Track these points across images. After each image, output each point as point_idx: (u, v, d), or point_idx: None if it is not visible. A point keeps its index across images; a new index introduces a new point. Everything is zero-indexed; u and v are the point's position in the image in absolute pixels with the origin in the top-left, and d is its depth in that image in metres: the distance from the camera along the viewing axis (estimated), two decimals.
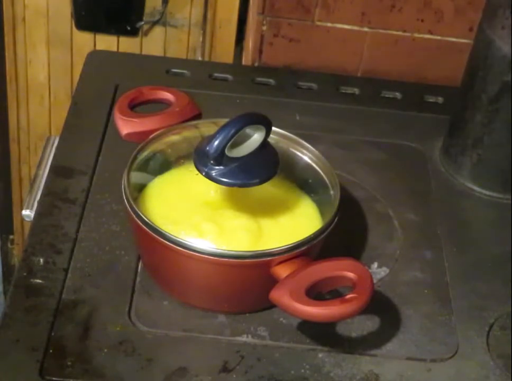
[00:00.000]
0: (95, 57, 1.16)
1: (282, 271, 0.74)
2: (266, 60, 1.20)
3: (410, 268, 0.89)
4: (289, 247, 0.75)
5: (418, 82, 1.18)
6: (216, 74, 1.15)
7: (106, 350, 0.76)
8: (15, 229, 1.59)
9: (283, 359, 0.77)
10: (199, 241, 0.76)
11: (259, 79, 1.15)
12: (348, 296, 0.71)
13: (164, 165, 0.85)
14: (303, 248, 0.75)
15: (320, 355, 0.78)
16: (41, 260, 0.83)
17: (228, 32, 1.32)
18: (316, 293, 0.73)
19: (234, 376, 0.75)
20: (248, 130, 0.77)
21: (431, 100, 1.15)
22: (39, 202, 0.92)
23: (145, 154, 0.84)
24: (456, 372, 0.79)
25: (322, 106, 1.10)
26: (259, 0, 1.14)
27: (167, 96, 0.89)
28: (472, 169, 1.00)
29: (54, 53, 1.37)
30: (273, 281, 0.73)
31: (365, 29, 1.16)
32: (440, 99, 1.15)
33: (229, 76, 1.15)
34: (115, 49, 1.35)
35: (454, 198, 0.99)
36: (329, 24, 1.16)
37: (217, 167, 0.76)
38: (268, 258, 0.74)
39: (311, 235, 0.76)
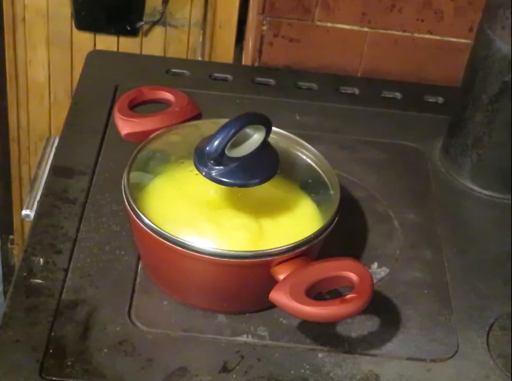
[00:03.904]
0: (95, 57, 1.16)
1: (282, 271, 0.74)
2: (266, 60, 1.20)
3: (410, 268, 0.89)
4: (289, 247, 0.75)
5: (418, 82, 1.18)
6: (216, 74, 1.15)
7: (106, 350, 0.76)
8: (15, 229, 1.59)
9: (283, 359, 0.77)
10: (199, 241, 0.76)
11: (259, 79, 1.15)
12: (348, 296, 0.71)
13: (164, 165, 0.85)
14: (303, 248, 0.75)
15: (320, 355, 0.78)
16: (41, 260, 0.83)
17: (228, 32, 1.32)
18: (316, 293, 0.73)
19: (234, 376, 0.75)
20: (248, 130, 0.77)
21: (431, 100, 1.15)
22: (39, 202, 0.92)
23: (145, 154, 0.84)
24: (456, 372, 0.79)
25: (322, 106, 1.10)
26: (259, 0, 1.14)
27: (167, 96, 0.89)
28: (472, 169, 1.00)
29: (54, 53, 1.37)
30: (273, 281, 0.73)
31: (365, 29, 1.16)
32: (440, 99, 1.15)
33: (229, 76, 1.15)
34: (115, 49, 1.35)
35: (454, 198, 0.99)
36: (329, 24, 1.16)
37: (217, 167, 0.76)
38: (268, 258, 0.74)
39: (311, 235, 0.76)
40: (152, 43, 1.35)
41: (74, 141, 0.99)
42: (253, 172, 0.77)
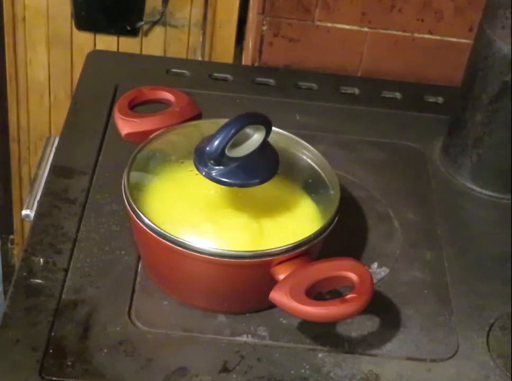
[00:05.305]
0: (95, 57, 1.16)
1: (282, 271, 0.74)
2: (266, 60, 1.20)
3: (410, 268, 0.89)
4: (289, 247, 0.75)
5: (418, 82, 1.18)
6: (216, 74, 1.15)
7: (106, 350, 0.76)
8: (15, 229, 1.59)
9: (283, 359, 0.77)
10: (199, 241, 0.76)
11: (259, 79, 1.15)
12: (348, 296, 0.71)
13: (164, 165, 0.85)
14: (303, 248, 0.75)
15: (320, 355, 0.78)
16: (41, 260, 0.83)
17: (228, 32, 1.32)
18: (316, 293, 0.73)
19: (234, 376, 0.75)
20: (248, 130, 0.77)
21: (431, 100, 1.15)
22: (39, 202, 0.92)
23: (145, 154, 0.84)
24: (456, 372, 0.79)
25: (322, 106, 1.10)
26: (259, 0, 1.14)
27: (167, 96, 0.89)
28: (472, 169, 1.00)
29: (54, 53, 1.37)
30: (273, 281, 0.73)
31: (365, 29, 1.16)
32: (440, 99, 1.15)
33: (229, 76, 1.15)
34: (115, 49, 1.35)
35: (454, 198, 0.99)
36: (329, 24, 1.16)
37: (217, 167, 0.76)
38: (268, 258, 0.74)
39: (311, 235, 0.76)
40: (152, 43, 1.35)
41: (74, 141, 0.99)
42: (253, 172, 0.77)
